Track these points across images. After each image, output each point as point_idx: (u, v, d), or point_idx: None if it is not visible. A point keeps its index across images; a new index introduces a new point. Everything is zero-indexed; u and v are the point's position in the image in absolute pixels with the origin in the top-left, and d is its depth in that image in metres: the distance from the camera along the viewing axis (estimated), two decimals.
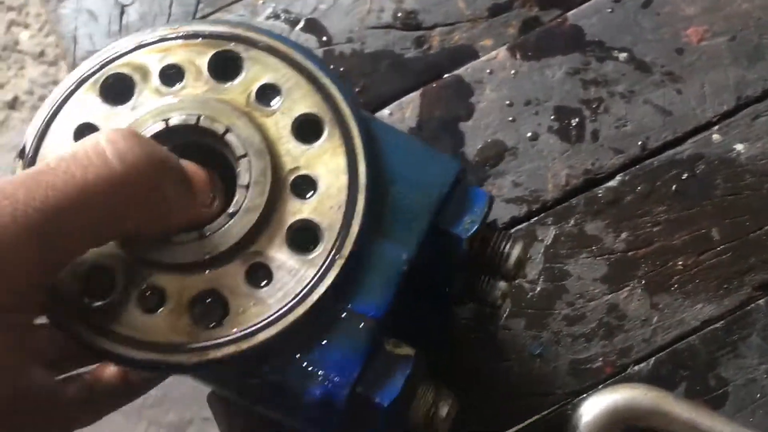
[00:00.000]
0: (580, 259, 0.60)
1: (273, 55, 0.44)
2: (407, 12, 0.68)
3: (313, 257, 0.40)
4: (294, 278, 0.39)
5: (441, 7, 0.68)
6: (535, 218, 0.61)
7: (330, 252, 0.40)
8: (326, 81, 0.43)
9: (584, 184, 0.62)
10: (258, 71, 0.43)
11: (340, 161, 0.41)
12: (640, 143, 0.62)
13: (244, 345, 0.38)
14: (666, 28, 0.66)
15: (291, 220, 0.40)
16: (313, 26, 0.68)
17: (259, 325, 0.38)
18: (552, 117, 0.64)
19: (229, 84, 0.43)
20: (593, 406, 0.53)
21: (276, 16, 0.68)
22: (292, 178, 0.41)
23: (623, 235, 0.60)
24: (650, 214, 0.61)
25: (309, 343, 0.39)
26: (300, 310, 0.39)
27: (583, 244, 0.60)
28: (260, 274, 0.39)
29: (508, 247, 0.46)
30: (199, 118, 0.41)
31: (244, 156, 0.41)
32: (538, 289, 0.59)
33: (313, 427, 0.41)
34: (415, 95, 0.66)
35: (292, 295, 0.39)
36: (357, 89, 0.66)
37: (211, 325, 0.38)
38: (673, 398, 0.53)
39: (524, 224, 0.61)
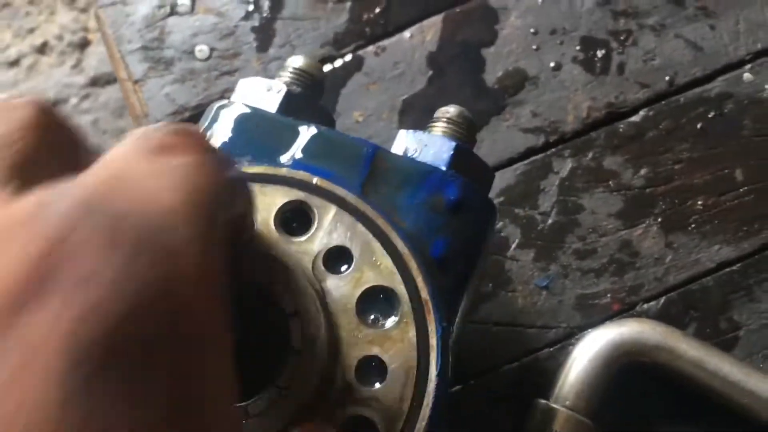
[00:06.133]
0: (596, 194, 0.58)
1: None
2: None
3: None
4: None
5: None
6: (552, 149, 0.59)
7: None
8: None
9: (606, 118, 0.60)
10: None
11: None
12: (667, 78, 0.60)
13: None
14: None
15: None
16: None
17: None
18: (577, 47, 0.62)
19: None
20: (598, 338, 0.52)
21: None
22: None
23: (642, 172, 0.58)
24: (672, 151, 0.58)
25: None
26: None
27: (600, 179, 0.58)
28: None
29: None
30: None
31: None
32: (550, 221, 0.58)
33: None
34: (437, 18, 0.64)
35: None
36: (378, 9, 0.64)
37: None
38: (681, 335, 0.51)
39: (540, 155, 0.59)
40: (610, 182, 0.58)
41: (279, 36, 0.64)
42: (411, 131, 0.43)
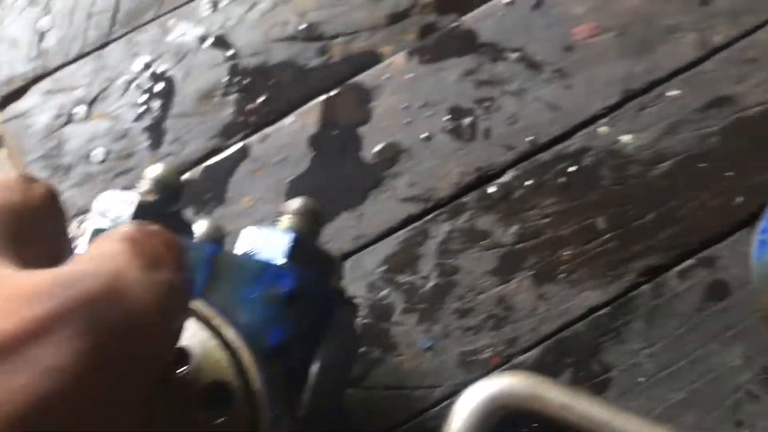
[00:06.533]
0: (472, 254, 0.61)
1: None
2: (310, 24, 0.71)
3: None
4: None
5: (341, 18, 0.70)
6: (429, 216, 0.63)
7: None
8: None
9: (476, 181, 0.64)
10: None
11: None
12: (529, 139, 0.64)
13: None
14: (556, 27, 0.67)
15: None
16: (221, 42, 0.71)
17: None
18: (446, 118, 0.66)
19: None
20: (472, 395, 0.55)
21: (184, 35, 0.71)
22: None
23: (513, 229, 0.62)
24: (539, 206, 0.62)
25: None
26: None
27: (474, 239, 0.62)
28: None
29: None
30: None
31: None
32: (430, 284, 0.61)
33: None
34: (316, 103, 0.68)
35: None
36: (260, 100, 0.68)
37: None
38: (551, 383, 0.54)
39: (419, 222, 0.63)
40: (484, 242, 0.62)
41: (170, 133, 0.68)
42: (254, 227, 0.47)
